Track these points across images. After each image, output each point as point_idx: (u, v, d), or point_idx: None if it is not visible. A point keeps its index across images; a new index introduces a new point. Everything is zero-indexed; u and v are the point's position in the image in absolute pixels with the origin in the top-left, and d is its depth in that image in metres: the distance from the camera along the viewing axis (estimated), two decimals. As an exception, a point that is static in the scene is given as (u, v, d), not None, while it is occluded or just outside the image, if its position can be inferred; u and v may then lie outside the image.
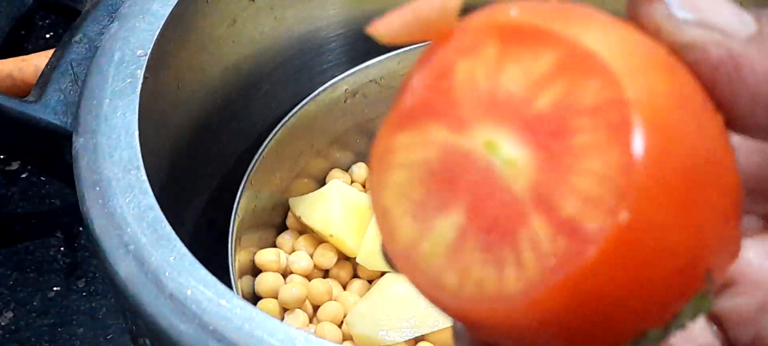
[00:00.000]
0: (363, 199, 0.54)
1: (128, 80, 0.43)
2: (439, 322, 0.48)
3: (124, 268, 0.37)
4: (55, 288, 0.66)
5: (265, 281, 0.51)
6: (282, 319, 0.51)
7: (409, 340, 0.48)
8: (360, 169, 0.57)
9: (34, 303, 0.65)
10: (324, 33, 0.55)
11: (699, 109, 0.19)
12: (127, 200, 0.39)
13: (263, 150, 0.51)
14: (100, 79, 0.43)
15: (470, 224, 0.19)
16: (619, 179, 0.17)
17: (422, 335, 0.49)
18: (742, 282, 0.22)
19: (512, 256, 0.18)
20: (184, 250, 0.37)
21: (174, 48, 0.46)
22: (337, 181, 0.55)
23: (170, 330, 0.35)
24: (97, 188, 0.39)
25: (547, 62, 0.18)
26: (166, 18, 0.45)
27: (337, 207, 0.52)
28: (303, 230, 0.53)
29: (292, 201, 0.54)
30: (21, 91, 0.56)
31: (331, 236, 0.52)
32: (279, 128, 0.52)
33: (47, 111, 0.45)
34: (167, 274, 0.36)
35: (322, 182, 0.57)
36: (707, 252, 0.19)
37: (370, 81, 0.55)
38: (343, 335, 0.51)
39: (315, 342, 0.34)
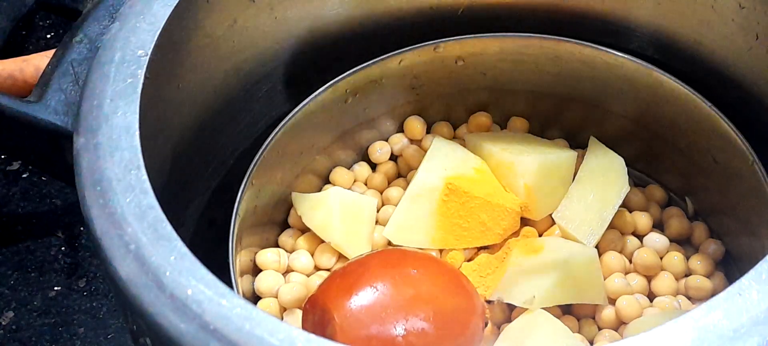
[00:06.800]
0: (363, 201, 0.54)
1: (129, 80, 0.43)
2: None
3: (124, 268, 0.37)
4: (55, 288, 0.66)
5: (265, 281, 0.51)
6: (282, 318, 0.51)
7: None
8: (362, 169, 0.57)
9: (35, 303, 0.65)
10: (324, 33, 0.55)
11: None
12: (128, 200, 0.39)
13: (264, 149, 0.51)
14: (100, 80, 0.43)
15: None
16: None
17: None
18: None
19: None
20: (185, 249, 0.37)
21: (174, 48, 0.47)
22: (337, 188, 0.55)
23: (171, 330, 0.35)
24: (98, 188, 0.39)
25: None
26: (166, 18, 0.45)
27: (337, 213, 0.52)
28: (305, 227, 0.53)
29: (294, 196, 0.54)
30: (22, 91, 0.56)
31: (331, 241, 0.52)
32: (280, 128, 0.52)
33: (48, 111, 0.45)
34: (168, 273, 0.36)
35: (325, 178, 0.57)
36: None
37: (371, 81, 0.55)
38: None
39: (315, 342, 0.34)
